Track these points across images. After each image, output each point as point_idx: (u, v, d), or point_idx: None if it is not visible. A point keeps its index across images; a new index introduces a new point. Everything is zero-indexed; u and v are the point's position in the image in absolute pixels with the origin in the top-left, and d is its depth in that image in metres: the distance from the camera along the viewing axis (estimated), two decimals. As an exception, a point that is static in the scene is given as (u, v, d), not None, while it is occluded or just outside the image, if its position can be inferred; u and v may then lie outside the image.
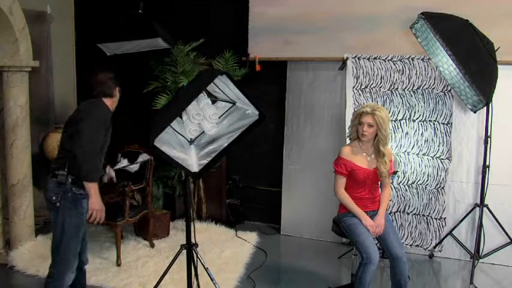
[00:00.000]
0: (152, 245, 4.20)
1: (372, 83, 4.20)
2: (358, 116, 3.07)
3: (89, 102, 2.77)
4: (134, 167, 4.06)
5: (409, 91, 4.10)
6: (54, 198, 2.60)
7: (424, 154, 4.09)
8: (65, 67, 5.18)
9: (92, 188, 2.60)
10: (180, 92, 3.05)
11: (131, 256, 3.95)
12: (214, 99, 2.71)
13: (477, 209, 3.81)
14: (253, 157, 4.97)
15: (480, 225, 3.71)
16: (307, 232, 4.63)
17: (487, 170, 3.70)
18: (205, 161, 2.75)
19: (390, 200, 4.06)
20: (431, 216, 4.09)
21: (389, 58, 4.14)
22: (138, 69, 4.74)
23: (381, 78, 4.17)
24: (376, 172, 3.07)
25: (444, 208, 4.06)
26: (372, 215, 3.08)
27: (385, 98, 4.17)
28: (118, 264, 3.76)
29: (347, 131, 3.97)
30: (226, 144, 2.73)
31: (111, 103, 2.84)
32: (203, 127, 2.65)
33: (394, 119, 4.14)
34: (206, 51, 4.68)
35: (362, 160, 3.09)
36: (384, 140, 3.03)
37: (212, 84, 2.53)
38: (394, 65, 4.13)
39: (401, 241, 3.19)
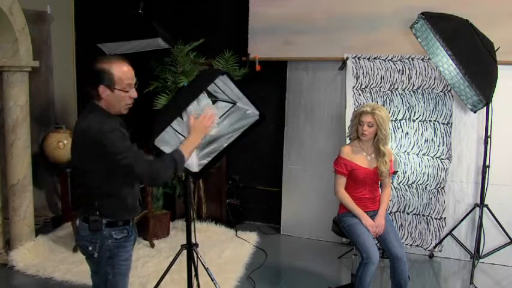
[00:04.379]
0: (152, 245, 4.20)
1: (372, 83, 4.20)
2: (358, 115, 3.08)
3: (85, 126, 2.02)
4: None
5: (409, 91, 4.10)
6: (90, 248, 2.07)
7: (424, 154, 4.09)
8: (65, 67, 5.18)
9: (188, 150, 2.14)
10: (180, 92, 3.05)
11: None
12: (214, 100, 2.70)
13: (477, 209, 3.81)
14: (253, 157, 4.97)
15: (480, 225, 3.71)
16: (307, 232, 4.63)
17: (487, 170, 3.70)
18: (205, 161, 2.74)
19: (390, 200, 4.06)
20: (431, 216, 4.09)
21: (389, 58, 4.14)
22: (138, 69, 4.72)
23: (381, 78, 4.17)
24: (376, 172, 3.08)
25: (444, 208, 4.06)
26: (372, 215, 3.08)
27: (385, 98, 4.17)
28: (118, 264, 3.76)
29: (347, 131, 3.98)
30: (226, 145, 2.73)
31: (106, 105, 2.07)
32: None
33: (394, 119, 4.14)
34: (206, 51, 4.68)
35: (362, 159, 3.10)
36: (384, 139, 3.03)
37: (213, 84, 2.53)
38: (394, 65, 4.13)
39: (401, 241, 3.19)
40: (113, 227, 2.07)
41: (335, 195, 3.16)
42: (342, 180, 3.12)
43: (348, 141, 3.42)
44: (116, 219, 2.08)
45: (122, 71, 2.06)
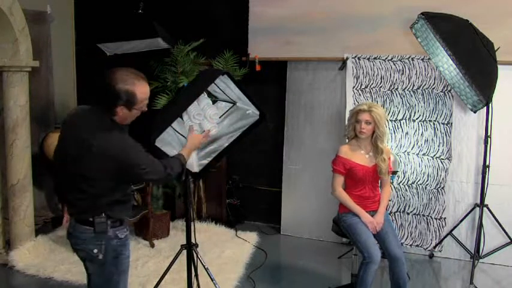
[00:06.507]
0: (152, 245, 4.19)
1: (372, 83, 4.20)
2: (355, 114, 3.10)
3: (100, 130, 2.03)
4: None
5: (409, 91, 4.10)
6: (96, 251, 2.07)
7: (424, 154, 4.09)
8: (65, 67, 5.18)
9: (187, 155, 2.43)
10: (181, 92, 3.06)
11: (131, 256, 3.93)
12: (214, 99, 2.71)
13: (477, 209, 3.81)
14: (253, 157, 4.97)
15: (480, 225, 3.72)
16: (307, 232, 4.63)
17: (487, 170, 3.70)
18: (205, 161, 2.75)
19: (390, 200, 4.06)
20: (431, 216, 4.09)
21: (389, 58, 4.14)
22: (138, 69, 4.72)
23: (381, 78, 4.17)
24: (375, 169, 3.09)
25: (444, 208, 4.06)
26: (373, 215, 3.08)
27: (385, 98, 4.17)
28: (118, 264, 3.76)
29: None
30: (226, 144, 2.73)
31: (120, 120, 2.11)
32: (204, 127, 2.65)
33: (394, 119, 4.14)
34: (206, 51, 4.68)
35: (360, 157, 3.11)
36: (381, 136, 3.05)
37: (213, 84, 2.53)
38: (394, 65, 4.13)
39: (400, 242, 3.19)
40: (116, 227, 2.11)
41: (332, 194, 3.17)
42: (340, 179, 3.13)
43: (347, 141, 3.42)
44: (118, 219, 2.13)
45: (144, 93, 2.09)
